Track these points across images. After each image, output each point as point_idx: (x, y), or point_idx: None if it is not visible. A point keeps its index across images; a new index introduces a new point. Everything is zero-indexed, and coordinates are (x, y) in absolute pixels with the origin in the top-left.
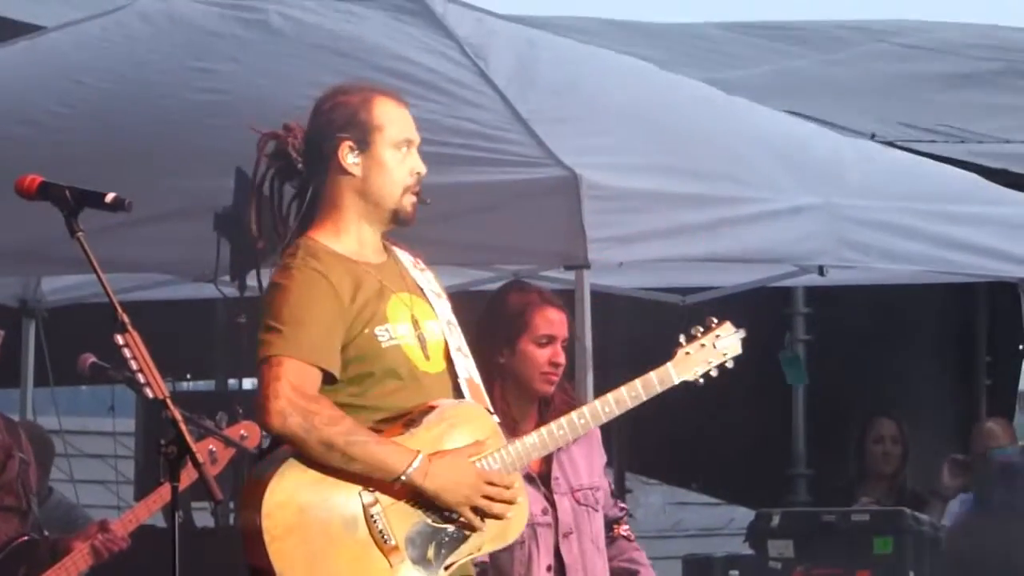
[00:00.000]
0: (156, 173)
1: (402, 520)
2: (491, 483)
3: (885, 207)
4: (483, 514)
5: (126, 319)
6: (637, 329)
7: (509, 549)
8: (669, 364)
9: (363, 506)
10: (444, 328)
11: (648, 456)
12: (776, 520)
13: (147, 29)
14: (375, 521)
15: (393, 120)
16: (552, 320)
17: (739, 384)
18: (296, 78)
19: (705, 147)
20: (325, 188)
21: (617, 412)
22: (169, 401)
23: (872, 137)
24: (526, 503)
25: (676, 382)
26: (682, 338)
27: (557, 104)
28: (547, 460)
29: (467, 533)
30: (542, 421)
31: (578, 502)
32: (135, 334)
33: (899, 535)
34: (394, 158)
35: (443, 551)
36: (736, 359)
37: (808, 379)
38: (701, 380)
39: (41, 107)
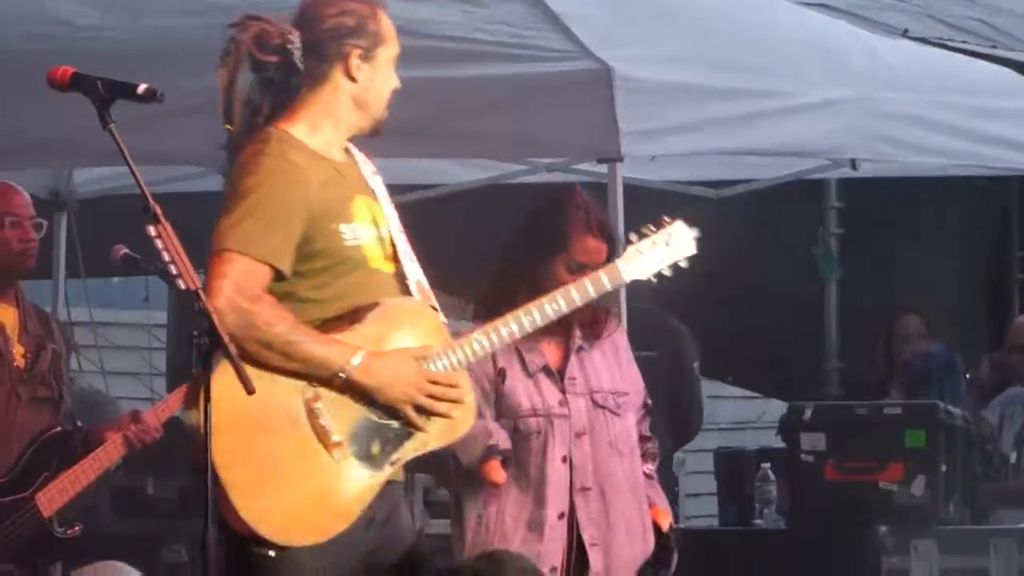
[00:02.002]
0: (189, 66)
1: (346, 415)
2: (435, 382)
3: (918, 100)
4: (427, 412)
5: (158, 210)
6: None
7: (527, 439)
8: (618, 262)
9: (305, 401)
10: (394, 232)
11: None
12: (808, 413)
13: None
14: (318, 416)
15: (394, 35)
16: (591, 250)
17: (773, 278)
18: None
19: (738, 40)
20: (318, 88)
21: (565, 310)
22: (201, 292)
23: (905, 33)
24: (473, 402)
25: (626, 281)
26: (633, 236)
27: (589, 1)
28: (566, 356)
29: (412, 430)
30: (574, 327)
31: (595, 403)
32: (167, 225)
33: (931, 428)
34: (391, 72)
35: (388, 447)
36: (769, 250)
37: (841, 272)
38: (654, 280)
39: (71, 7)
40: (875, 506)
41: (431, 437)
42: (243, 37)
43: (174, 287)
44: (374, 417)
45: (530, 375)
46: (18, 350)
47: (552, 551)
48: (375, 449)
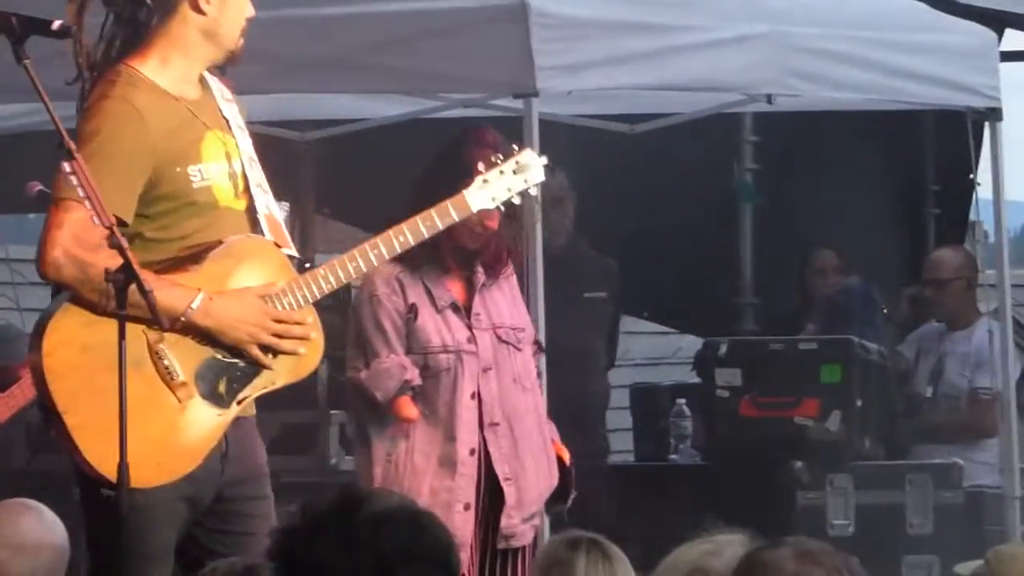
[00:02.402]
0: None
1: (190, 356)
2: (279, 320)
3: (832, 35)
4: (272, 350)
5: (73, 147)
6: (586, 158)
7: (436, 375)
8: (464, 191)
9: (148, 343)
10: (246, 163)
11: None
12: (724, 349)
13: None
14: (161, 357)
15: None
16: None
17: (688, 213)
18: None
19: None
20: (166, 22)
21: (412, 241)
22: (115, 229)
23: None
24: (320, 338)
25: (473, 209)
26: (481, 165)
27: None
28: (470, 293)
29: (259, 368)
30: (477, 264)
31: (499, 339)
32: (82, 162)
33: (847, 363)
34: (243, 2)
35: (235, 385)
36: (685, 185)
37: (761, 198)
38: (501, 208)
39: None
40: (790, 441)
41: (278, 374)
42: None
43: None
44: (219, 356)
45: (439, 311)
46: None
47: (464, 487)
48: (222, 387)
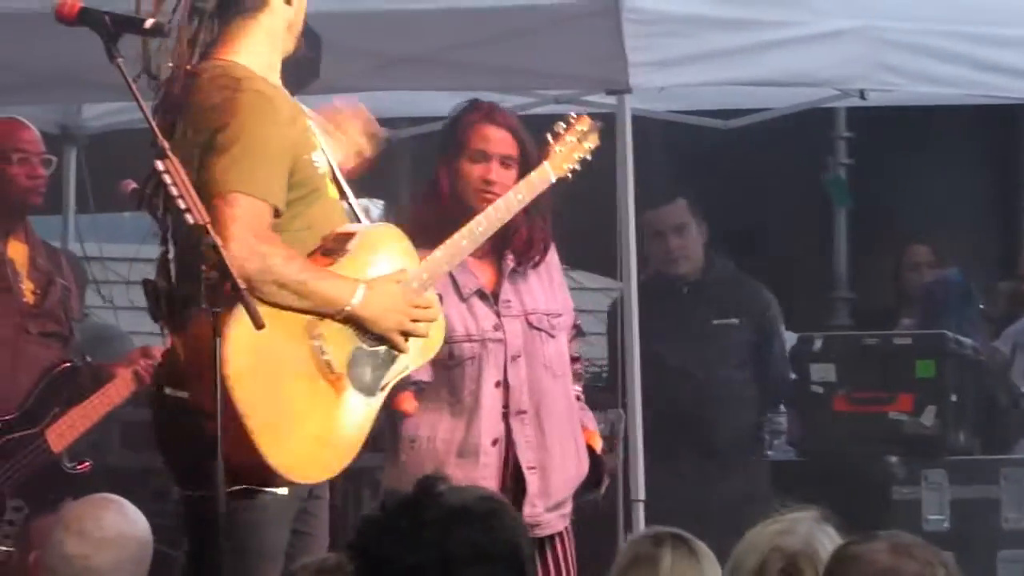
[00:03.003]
0: None
1: (342, 348)
2: (416, 305)
3: (925, 29)
4: (409, 335)
5: (166, 145)
6: (679, 154)
7: (460, 364)
8: (546, 163)
9: (310, 340)
10: (330, 156)
11: None
12: (818, 344)
13: None
14: (322, 353)
15: None
16: (487, 136)
17: (782, 208)
18: None
19: None
20: (257, 14)
21: (507, 216)
22: (209, 227)
23: None
24: (443, 321)
25: (553, 180)
26: (549, 137)
27: None
28: (499, 279)
29: (395, 354)
30: (508, 250)
31: (531, 325)
32: (175, 160)
33: (941, 358)
34: None
35: (378, 372)
36: (778, 181)
37: (852, 201)
38: (570, 175)
39: None
40: (885, 436)
41: (411, 358)
42: None
43: (182, 221)
44: (364, 345)
45: (464, 299)
46: (27, 286)
47: (486, 477)
48: (368, 376)
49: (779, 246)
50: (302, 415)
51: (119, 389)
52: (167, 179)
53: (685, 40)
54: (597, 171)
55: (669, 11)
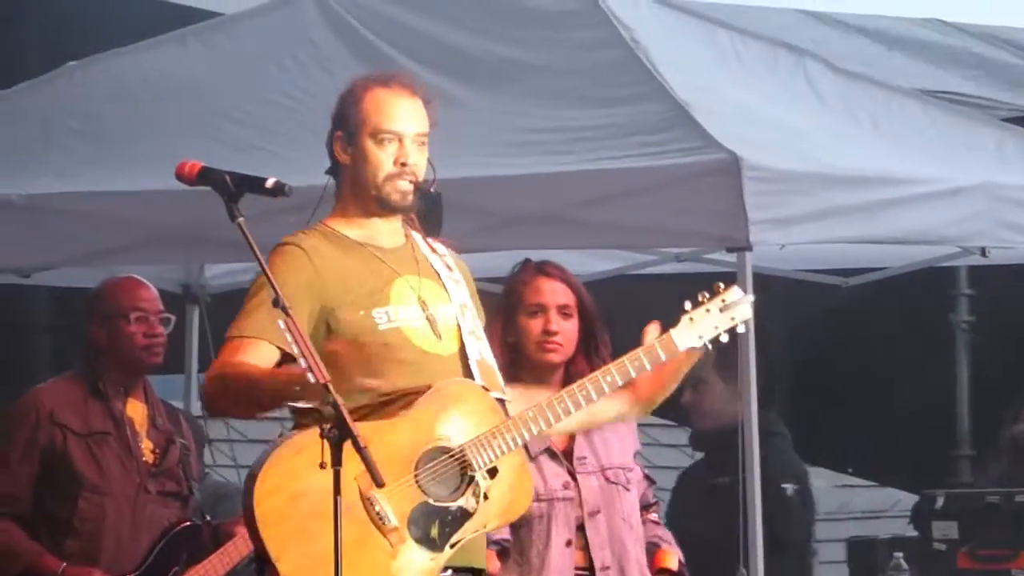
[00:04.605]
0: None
1: (402, 501)
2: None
3: None
4: (484, 494)
5: (287, 304)
6: (799, 311)
7: (528, 524)
8: (672, 331)
9: (360, 490)
10: (457, 311)
11: (813, 440)
12: (940, 502)
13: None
14: (372, 504)
15: (379, 111)
16: (540, 289)
17: (903, 366)
18: None
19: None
20: (337, 179)
21: (620, 382)
22: (330, 385)
23: None
24: (531, 482)
25: (681, 349)
26: (688, 304)
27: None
28: (571, 437)
29: (468, 511)
30: None
31: (608, 480)
32: (294, 319)
33: None
34: (373, 148)
35: (447, 529)
36: (898, 338)
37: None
38: (709, 346)
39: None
40: None
41: (489, 517)
42: None
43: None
44: (431, 501)
45: (532, 458)
46: (147, 445)
47: None
48: (434, 531)
49: (901, 403)
50: (345, 564)
51: (239, 548)
52: (288, 337)
53: (805, 198)
54: None
55: (789, 169)
